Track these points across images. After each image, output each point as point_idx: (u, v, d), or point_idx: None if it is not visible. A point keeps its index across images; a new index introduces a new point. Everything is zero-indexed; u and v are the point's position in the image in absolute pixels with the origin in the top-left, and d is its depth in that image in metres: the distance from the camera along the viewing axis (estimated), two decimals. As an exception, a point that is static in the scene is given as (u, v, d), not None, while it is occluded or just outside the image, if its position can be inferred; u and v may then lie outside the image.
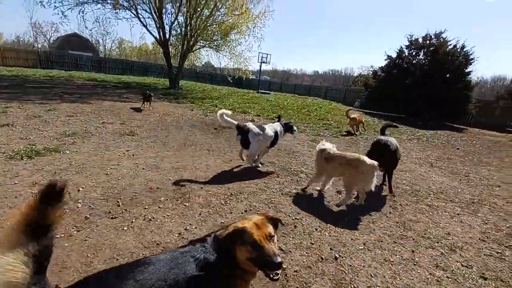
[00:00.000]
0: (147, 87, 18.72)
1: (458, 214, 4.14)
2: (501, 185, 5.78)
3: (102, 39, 50.68)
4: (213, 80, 34.79)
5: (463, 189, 5.30)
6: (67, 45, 36.09)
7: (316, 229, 3.21)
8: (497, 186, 5.72)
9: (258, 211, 3.46)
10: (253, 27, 17.94)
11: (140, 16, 17.37)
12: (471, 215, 4.13)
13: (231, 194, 3.90)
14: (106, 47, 51.90)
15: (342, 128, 10.73)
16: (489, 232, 3.64)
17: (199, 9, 17.20)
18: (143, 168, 4.48)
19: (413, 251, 2.99)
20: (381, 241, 3.11)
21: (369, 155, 4.26)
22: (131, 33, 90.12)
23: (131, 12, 17.11)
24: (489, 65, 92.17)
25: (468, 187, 5.47)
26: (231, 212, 3.40)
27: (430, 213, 4.06)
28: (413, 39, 17.82)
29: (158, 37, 18.38)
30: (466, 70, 16.41)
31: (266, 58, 23.88)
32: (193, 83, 25.88)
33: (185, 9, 17.45)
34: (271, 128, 5.26)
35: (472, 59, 16.31)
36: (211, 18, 17.46)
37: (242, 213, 3.41)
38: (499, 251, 3.16)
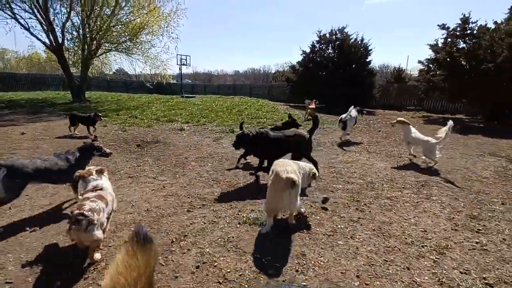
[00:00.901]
0: (42, 104, 15.13)
1: (417, 202, 3.95)
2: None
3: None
4: (128, 88, 31.02)
5: (406, 172, 5.33)
6: None
7: (296, 270, 2.43)
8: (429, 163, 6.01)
9: (214, 263, 2.47)
10: (166, 26, 16.23)
11: (18, 17, 13.76)
12: (428, 201, 3.99)
13: (172, 242, 2.79)
14: None
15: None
16: (454, 218, 3.49)
17: (97, 8, 14.58)
18: (24, 229, 2.94)
19: (408, 268, 2.49)
20: (373, 264, 2.52)
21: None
22: (15, 41, 73.85)
23: (4, 12, 13.38)
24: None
25: (408, 169, 5.55)
26: (176, 277, 2.31)
27: (395, 208, 3.75)
28: (321, 34, 18.94)
29: (48, 41, 14.97)
30: (367, 60, 18.28)
31: (186, 60, 22.22)
32: (105, 93, 22.33)
33: (79, 8, 14.58)
34: None
35: (370, 49, 18.25)
36: (114, 18, 15.04)
37: (192, 272, 2.36)
38: (477, 241, 2.95)
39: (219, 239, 2.84)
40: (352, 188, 4.38)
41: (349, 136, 8.50)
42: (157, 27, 15.94)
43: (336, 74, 17.23)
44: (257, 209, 3.57)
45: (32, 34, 14.36)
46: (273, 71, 72.13)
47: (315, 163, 4.46)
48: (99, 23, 15.04)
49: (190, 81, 47.00)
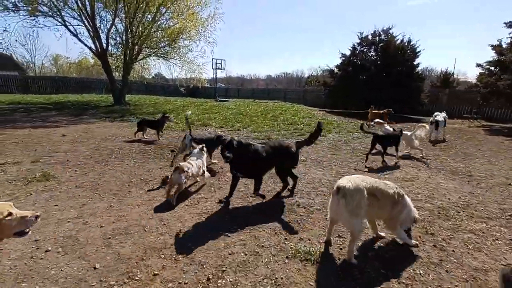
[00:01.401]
0: (85, 106, 15.93)
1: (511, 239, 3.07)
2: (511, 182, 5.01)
3: (31, 56, 44.38)
4: (165, 92, 32.05)
5: (484, 196, 4.35)
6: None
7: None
8: (507, 184, 4.93)
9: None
10: (204, 31, 16.29)
11: (68, 24, 14.62)
12: (526, 239, 3.08)
13: (208, 279, 2.29)
14: (36, 64, 45.51)
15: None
16: None
17: (139, 14, 15.04)
18: (46, 250, 2.61)
19: None
20: None
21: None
22: (67, 47, 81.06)
23: (55, 19, 14.29)
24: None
25: (485, 191, 4.55)
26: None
27: (485, 247, 2.91)
28: (363, 36, 17.81)
29: (94, 47, 15.76)
30: (415, 63, 16.76)
31: (221, 64, 22.30)
32: (143, 97, 23.19)
33: (123, 14, 15.16)
34: None
35: (418, 51, 16.75)
36: (155, 24, 15.41)
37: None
38: None
39: (265, 280, 2.27)
40: (420, 215, 3.58)
41: (402, 147, 7.51)
42: (194, 32, 16.07)
43: (379, 78, 16.01)
44: (306, 237, 2.96)
45: (79, 40, 15.20)
46: (306, 75, 71.02)
47: (295, 179, 4.19)
48: (141, 29, 15.49)
49: (223, 85, 47.67)
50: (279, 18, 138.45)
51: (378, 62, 16.74)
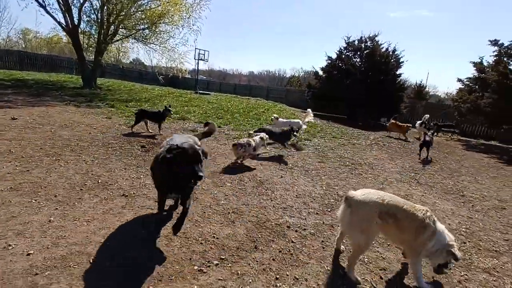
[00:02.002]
0: (51, 86, 14.24)
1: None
2: (506, 207, 4.77)
3: (-6, 27, 39.85)
4: (143, 79, 30.19)
5: (483, 221, 4.02)
6: None
7: None
8: (502, 208, 4.68)
9: None
10: (188, 17, 15.14)
11: (34, -8, 12.86)
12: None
13: None
14: (2, 37, 40.99)
15: (299, 134, 9.07)
16: None
17: (118, -10, 13.62)
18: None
19: None
20: None
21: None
22: (36, 21, 74.37)
23: (19, -15, 12.51)
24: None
25: (483, 216, 4.24)
26: None
27: (504, 293, 2.49)
28: (350, 40, 17.62)
29: (64, 22, 14.07)
30: (398, 72, 16.86)
31: (204, 55, 21.15)
32: (118, 82, 21.48)
33: (99, -12, 13.65)
34: None
35: (402, 62, 16.84)
36: (135, 3, 14.03)
37: None
38: None
39: None
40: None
41: (387, 159, 7.18)
42: (178, 17, 14.87)
43: (363, 84, 15.87)
44: (302, 275, 2.35)
45: (48, 12, 13.47)
46: (288, 75, 71.07)
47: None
48: (119, 7, 14.05)
49: (205, 77, 46.08)
50: (265, 16, 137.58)
51: (363, 68, 16.62)
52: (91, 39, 15.45)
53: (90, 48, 16.09)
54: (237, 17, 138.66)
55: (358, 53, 17.47)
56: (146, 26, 14.58)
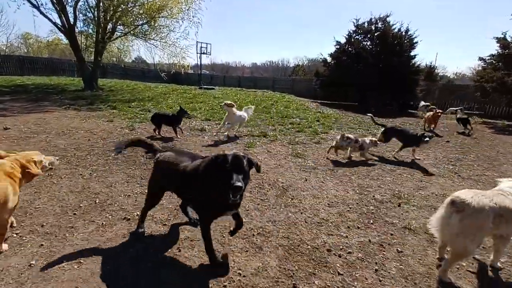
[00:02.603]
0: (51, 90, 13.77)
1: None
2: None
3: (-6, 33, 39.34)
4: (145, 77, 29.60)
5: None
6: None
7: None
8: None
9: None
10: (187, 9, 14.34)
11: (26, -7, 12.25)
12: None
13: None
14: (3, 43, 40.52)
15: (314, 126, 8.36)
16: None
17: (113, -15, 12.89)
18: None
19: None
20: None
21: None
22: (34, 24, 73.88)
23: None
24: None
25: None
26: None
27: None
28: (359, 23, 16.56)
29: (60, 22, 13.49)
30: (412, 54, 15.81)
31: (206, 48, 20.33)
32: (119, 82, 20.94)
33: (93, -16, 12.95)
34: None
35: (415, 42, 15.74)
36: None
37: None
38: None
39: None
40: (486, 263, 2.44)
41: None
42: (177, 9, 14.09)
43: (375, 68, 14.93)
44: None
45: (41, 13, 12.89)
46: (291, 65, 69.55)
47: None
48: (115, 3, 13.34)
49: (208, 71, 45.23)
50: (266, 6, 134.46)
51: (374, 51, 15.62)
52: (89, 38, 14.82)
53: (89, 49, 15.50)
54: (236, 8, 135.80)
55: (369, 35, 16.42)
56: (144, 21, 13.84)
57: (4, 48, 42.90)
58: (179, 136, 6.34)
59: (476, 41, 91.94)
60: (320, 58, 17.68)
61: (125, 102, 10.89)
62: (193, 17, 14.81)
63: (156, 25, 14.36)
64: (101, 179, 3.74)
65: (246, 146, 5.79)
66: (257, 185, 3.88)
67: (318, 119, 9.85)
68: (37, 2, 12.59)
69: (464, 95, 16.77)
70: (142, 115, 8.42)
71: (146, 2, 13.56)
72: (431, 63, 22.17)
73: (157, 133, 6.33)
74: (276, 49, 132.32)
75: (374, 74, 14.87)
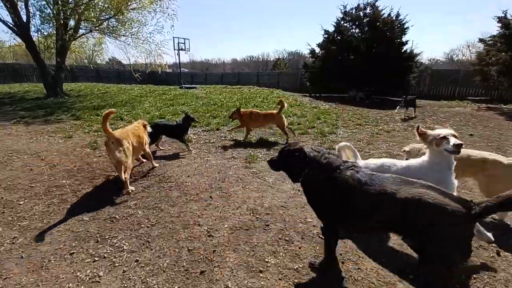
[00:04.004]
0: (7, 99, 11.73)
1: None
2: None
3: None
4: (121, 79, 27.34)
5: None
6: None
7: None
8: None
9: None
10: (159, 0, 12.58)
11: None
12: None
13: None
14: None
15: (318, 126, 7.12)
16: None
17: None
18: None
19: None
20: None
21: None
22: None
23: None
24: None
25: None
26: None
27: None
28: (346, 10, 15.46)
29: (12, 21, 11.40)
30: (403, 40, 14.90)
31: (184, 43, 18.53)
32: (91, 85, 18.83)
33: (45, -26, 10.92)
34: None
35: (407, 27, 14.83)
36: None
37: None
38: None
39: None
40: None
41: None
42: (147, 0, 12.30)
43: (367, 57, 13.93)
44: None
45: (-16, 9, 10.71)
46: (272, 59, 68.16)
47: None
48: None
49: (187, 70, 42.98)
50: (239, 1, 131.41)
51: (364, 39, 14.57)
52: (48, 39, 12.75)
53: (51, 50, 13.41)
54: (206, 4, 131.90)
55: (357, 22, 15.37)
56: (111, 14, 11.96)
57: None
58: (191, 149, 4.98)
59: (451, 26, 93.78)
60: (308, 49, 16.45)
61: (93, 109, 9.20)
62: (167, 8, 13.08)
63: (124, 19, 12.51)
64: (29, 249, 2.29)
65: (246, 162, 4.44)
66: (280, 232, 2.56)
67: (318, 116, 8.63)
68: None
69: (457, 81, 16.20)
70: (113, 125, 6.85)
71: (111, -8, 11.67)
72: (411, 49, 21.55)
73: (157, 146, 5.10)
74: (255, 44, 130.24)
75: (365, 63, 13.89)
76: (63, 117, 7.99)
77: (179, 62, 19.99)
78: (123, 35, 13.17)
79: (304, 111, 9.78)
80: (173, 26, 21.29)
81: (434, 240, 1.45)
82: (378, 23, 14.61)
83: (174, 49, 18.28)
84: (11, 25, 11.61)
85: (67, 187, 3.47)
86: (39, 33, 12.96)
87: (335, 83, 15.06)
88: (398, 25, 14.60)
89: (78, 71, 25.77)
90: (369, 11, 15.05)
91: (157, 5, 12.64)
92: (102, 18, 12.09)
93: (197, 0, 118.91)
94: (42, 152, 4.78)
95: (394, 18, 14.53)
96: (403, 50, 14.69)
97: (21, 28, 11.48)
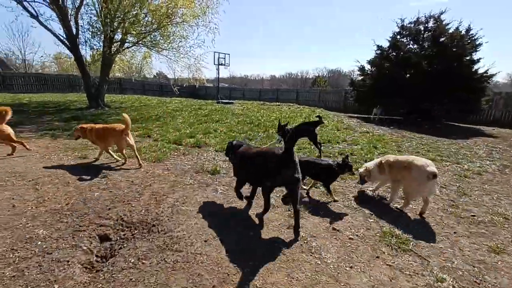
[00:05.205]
0: (52, 108, 11.98)
1: None
2: None
3: (21, 51, 39.59)
4: (163, 92, 28.12)
5: None
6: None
7: None
8: None
9: None
10: (203, 14, 12.16)
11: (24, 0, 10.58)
12: None
13: None
14: (27, 60, 40.47)
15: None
16: None
17: (117, -12, 10.96)
18: None
19: None
20: None
21: None
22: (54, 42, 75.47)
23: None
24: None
25: None
26: None
27: None
28: (404, 23, 13.65)
29: (64, 35, 11.76)
30: (474, 58, 12.54)
31: (224, 58, 18.14)
32: (134, 97, 19.22)
33: (96, -11, 11.12)
34: None
35: (479, 44, 12.46)
36: (137, 4, 11.21)
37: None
38: None
39: None
40: None
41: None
42: (190, 14, 11.93)
43: (428, 76, 11.91)
44: None
45: (41, 23, 11.15)
46: (310, 76, 66.77)
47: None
48: (121, 9, 11.39)
49: (226, 85, 43.41)
50: (283, 18, 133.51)
51: (425, 55, 12.55)
52: (94, 52, 13.01)
53: (97, 63, 13.69)
54: (251, 19, 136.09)
55: (416, 37, 13.45)
56: (154, 27, 11.76)
57: (38, 67, 42.95)
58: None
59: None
60: (357, 66, 14.78)
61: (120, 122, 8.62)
62: (209, 22, 12.61)
63: (165, 33, 12.25)
64: None
65: (288, 216, 3.07)
66: None
67: (375, 144, 6.98)
68: (35, 11, 10.88)
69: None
70: (137, 144, 6.00)
71: (154, 7, 11.46)
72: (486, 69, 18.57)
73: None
74: (293, 61, 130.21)
75: (426, 82, 11.86)
76: (91, 131, 7.45)
77: (218, 76, 19.62)
78: (165, 49, 12.95)
79: (355, 136, 8.18)
80: (214, 40, 21.09)
81: None
82: (443, 38, 12.58)
83: (214, 64, 17.92)
84: (63, 38, 11.97)
85: (38, 243, 2.43)
86: (87, 46, 13.34)
87: (387, 104, 13.14)
88: (468, 41, 12.35)
89: (126, 84, 27.04)
90: (432, 25, 13.08)
91: (199, 19, 12.22)
92: (144, 31, 11.94)
93: (239, 16, 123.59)
94: (44, 177, 3.93)
95: (464, 33, 12.35)
96: (474, 69, 12.34)
97: (70, 41, 11.77)
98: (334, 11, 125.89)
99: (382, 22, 60.22)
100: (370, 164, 3.78)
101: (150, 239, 2.55)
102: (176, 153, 5.59)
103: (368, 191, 4.01)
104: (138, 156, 4.66)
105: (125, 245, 2.48)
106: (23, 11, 10.86)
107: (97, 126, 4.74)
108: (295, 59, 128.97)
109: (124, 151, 4.61)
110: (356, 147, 6.79)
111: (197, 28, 12.72)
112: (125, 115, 4.43)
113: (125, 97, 19.59)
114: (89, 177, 4.03)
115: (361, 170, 3.80)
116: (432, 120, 12.43)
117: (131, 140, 4.59)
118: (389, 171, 3.49)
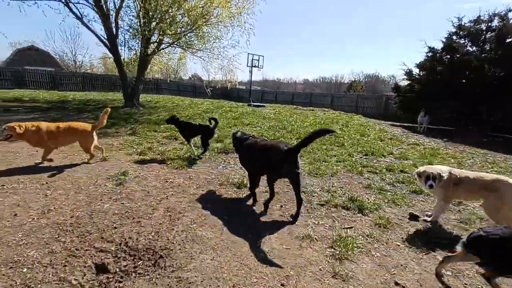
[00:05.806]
0: (91, 105, 12.42)
1: None
2: None
3: (72, 53, 42.88)
4: (196, 93, 28.54)
5: None
6: (23, 60, 28.89)
7: None
8: None
9: None
10: (239, 14, 11.77)
11: (70, 2, 11.04)
12: None
13: None
14: (78, 61, 43.70)
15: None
16: None
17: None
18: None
19: None
20: None
21: None
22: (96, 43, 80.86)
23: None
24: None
25: None
26: None
27: None
28: (462, 23, 12.02)
29: (105, 35, 12.12)
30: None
31: (258, 60, 17.65)
32: (168, 98, 19.55)
33: (136, -10, 11.26)
34: None
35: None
36: (175, 4, 11.15)
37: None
38: None
39: None
40: None
41: None
42: (226, 14, 11.61)
43: (491, 83, 10.26)
44: None
45: (84, 24, 11.58)
46: (345, 80, 63.98)
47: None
48: (163, 9, 11.38)
49: (259, 87, 43.11)
50: (317, 22, 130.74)
51: (489, 58, 10.87)
52: (132, 52, 13.28)
53: (134, 63, 13.99)
54: (284, 23, 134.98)
55: (475, 38, 11.77)
56: (189, 28, 11.62)
57: (87, 68, 46.27)
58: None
59: None
60: (403, 70, 13.36)
61: (154, 123, 8.44)
62: (244, 23, 12.18)
63: (202, 33, 12.05)
64: None
65: (334, 257, 2.33)
66: None
67: (429, 160, 5.88)
68: (80, 13, 11.31)
69: None
70: (159, 148, 5.63)
71: (190, 8, 11.30)
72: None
73: None
74: (327, 65, 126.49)
75: (488, 89, 10.21)
76: (120, 131, 7.31)
77: (251, 78, 19.21)
78: (199, 49, 12.78)
79: (402, 149, 7.09)
80: (248, 41, 20.62)
81: None
82: (510, 39, 10.83)
83: (248, 65, 17.52)
84: (104, 39, 12.33)
85: (23, 270, 1.99)
86: (125, 47, 13.68)
87: (439, 107, 11.59)
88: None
89: (163, 84, 27.91)
90: (497, 24, 11.33)
91: (234, 19, 11.83)
92: (180, 32, 11.84)
93: (274, 18, 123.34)
94: (58, 181, 3.63)
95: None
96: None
97: (110, 42, 12.08)
98: (375, 13, 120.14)
99: (430, 25, 55.75)
100: (443, 169, 2.95)
101: (154, 279, 1.98)
102: (200, 159, 5.10)
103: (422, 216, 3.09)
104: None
105: (122, 284, 1.94)
106: (69, 13, 11.36)
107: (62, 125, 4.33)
108: (329, 63, 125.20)
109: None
110: (406, 162, 5.76)
111: (232, 29, 12.37)
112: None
113: (160, 97, 20.01)
114: (103, 183, 3.65)
115: (430, 170, 2.94)
116: (488, 127, 10.70)
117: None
118: (465, 187, 2.75)
